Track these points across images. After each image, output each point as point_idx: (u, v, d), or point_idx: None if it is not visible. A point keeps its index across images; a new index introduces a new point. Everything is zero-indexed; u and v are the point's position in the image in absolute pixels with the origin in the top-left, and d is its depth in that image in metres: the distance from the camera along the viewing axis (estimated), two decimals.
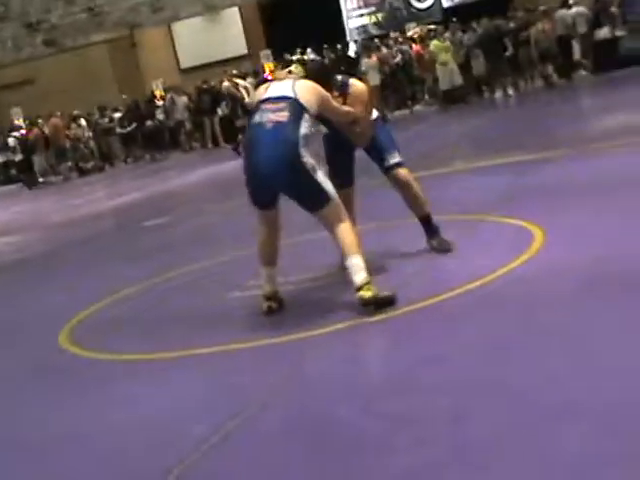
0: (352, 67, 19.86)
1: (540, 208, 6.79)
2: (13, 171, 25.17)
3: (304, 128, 5.12)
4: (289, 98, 5.20)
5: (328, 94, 5.43)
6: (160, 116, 24.22)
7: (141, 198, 15.03)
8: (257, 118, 5.23)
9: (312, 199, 5.16)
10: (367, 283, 4.95)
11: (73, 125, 24.71)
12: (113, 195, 16.83)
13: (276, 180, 5.10)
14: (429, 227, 6.08)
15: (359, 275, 4.97)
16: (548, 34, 19.15)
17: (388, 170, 5.97)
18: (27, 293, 8.19)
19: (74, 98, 27.65)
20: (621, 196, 6.74)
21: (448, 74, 19.64)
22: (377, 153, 5.98)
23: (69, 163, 24.17)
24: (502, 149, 10.81)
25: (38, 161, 24.21)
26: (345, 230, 5.11)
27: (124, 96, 26.23)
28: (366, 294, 4.92)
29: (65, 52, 28.49)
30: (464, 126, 16.08)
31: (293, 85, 5.30)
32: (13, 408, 4.80)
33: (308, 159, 5.07)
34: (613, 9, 20.23)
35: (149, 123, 24.13)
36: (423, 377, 3.97)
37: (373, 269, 5.32)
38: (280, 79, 5.62)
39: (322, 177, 5.15)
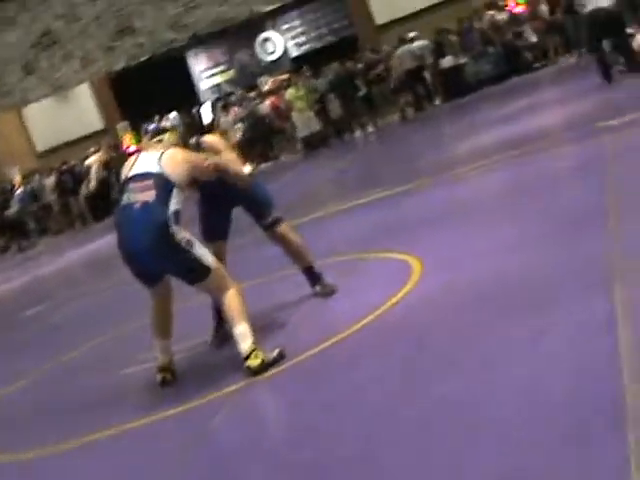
0: (207, 127, 19.99)
1: (413, 239, 6.97)
2: None
3: (173, 205, 5.04)
4: (154, 174, 5.09)
5: (196, 155, 5.42)
6: (14, 207, 23.55)
7: (16, 288, 14.65)
8: (125, 199, 5.12)
9: (191, 274, 5.09)
10: (254, 350, 4.90)
11: None
12: None
13: (151, 262, 5.05)
14: (312, 275, 6.17)
15: (245, 344, 4.92)
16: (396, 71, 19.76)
17: (268, 227, 6.03)
18: None
19: None
20: (481, 217, 7.03)
21: (305, 121, 19.98)
22: (256, 211, 6.04)
23: None
24: (367, 187, 11.05)
25: None
26: (230, 298, 5.05)
27: None
28: (254, 363, 4.86)
29: None
30: (328, 170, 16.33)
31: (160, 157, 5.19)
32: None
33: (181, 235, 4.99)
34: (453, 38, 21.08)
35: (10, 211, 23.52)
36: (321, 426, 4.00)
37: (261, 325, 5.35)
38: (148, 150, 5.46)
39: (199, 249, 5.08)
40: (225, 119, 20.88)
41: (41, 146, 30.23)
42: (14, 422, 5.90)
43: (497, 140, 11.24)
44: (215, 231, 5.95)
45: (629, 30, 13.06)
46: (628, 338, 3.64)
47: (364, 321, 5.20)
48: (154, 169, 5.12)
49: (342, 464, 3.49)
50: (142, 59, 27.92)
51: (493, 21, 20.95)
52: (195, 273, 5.07)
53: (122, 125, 26.41)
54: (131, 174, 5.20)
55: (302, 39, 29.85)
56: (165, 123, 25.43)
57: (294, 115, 20.21)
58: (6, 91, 26.03)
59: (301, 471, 3.58)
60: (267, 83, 23.83)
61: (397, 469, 3.27)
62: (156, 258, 5.00)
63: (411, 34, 20.42)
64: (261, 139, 21.80)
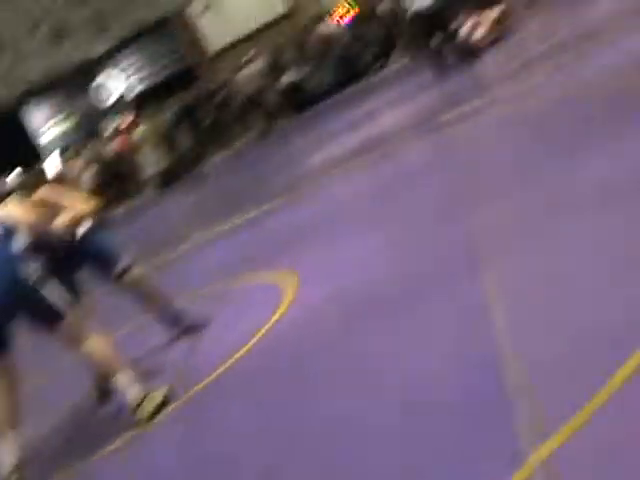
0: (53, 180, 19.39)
1: (283, 257, 6.96)
2: None
3: (20, 242, 4.78)
4: None
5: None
6: None
7: None
8: None
9: (47, 315, 4.74)
10: (146, 395, 4.73)
11: None
12: None
13: (6, 306, 4.69)
14: (172, 316, 5.99)
15: (133, 391, 4.73)
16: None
17: (120, 276, 5.82)
18: None
19: None
20: (345, 226, 7.11)
21: (155, 158, 19.74)
22: (103, 263, 5.81)
23: None
24: (227, 214, 10.98)
25: None
26: (95, 346, 4.78)
27: None
28: (149, 408, 4.70)
29: None
30: (185, 204, 16.16)
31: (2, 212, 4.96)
32: None
33: (32, 272, 4.71)
34: (290, 54, 21.30)
35: None
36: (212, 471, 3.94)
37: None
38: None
39: (51, 291, 4.76)
40: (71, 169, 20.37)
41: None
42: None
43: (347, 148, 11.38)
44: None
45: (454, 25, 13.47)
46: (502, 319, 3.73)
47: (243, 350, 5.18)
48: None
49: None
50: None
51: (324, 34, 21.29)
52: (48, 315, 4.74)
53: None
54: None
55: (136, 78, 29.51)
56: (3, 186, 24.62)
57: (143, 155, 19.88)
58: None
59: None
60: (113, 127, 23.46)
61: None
62: (8, 297, 4.67)
63: (245, 58, 20.53)
64: (113, 183, 21.33)
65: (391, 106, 13.72)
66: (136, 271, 5.91)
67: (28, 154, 26.91)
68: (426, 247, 5.38)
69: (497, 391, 3.16)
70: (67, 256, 5.55)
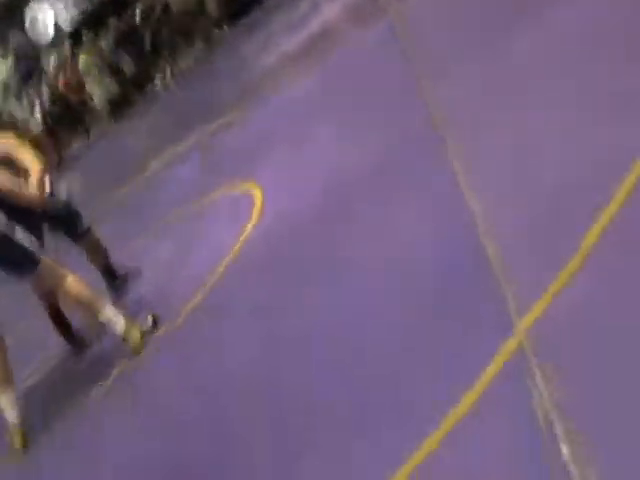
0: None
1: (248, 169, 6.87)
2: None
3: None
4: None
5: None
6: None
7: None
8: None
9: (22, 260, 4.66)
10: (131, 326, 4.74)
11: None
12: None
13: None
14: (113, 274, 6.03)
15: (120, 322, 4.73)
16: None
17: (81, 237, 5.83)
18: None
19: None
20: (305, 130, 6.97)
21: (103, 87, 19.39)
22: (67, 223, 5.75)
23: None
24: (184, 132, 10.70)
25: None
26: (75, 285, 4.73)
27: None
28: (135, 338, 4.71)
29: None
30: (139, 130, 15.95)
31: None
32: None
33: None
34: None
35: None
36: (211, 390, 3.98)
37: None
38: None
39: (23, 239, 4.69)
40: (20, 112, 19.97)
41: None
42: None
43: (293, 47, 11.14)
44: None
45: None
46: (476, 205, 3.74)
47: (224, 262, 5.21)
48: None
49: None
50: None
51: None
52: (26, 262, 4.66)
53: None
54: None
55: (70, 7, 28.72)
56: None
57: (89, 85, 19.47)
58: None
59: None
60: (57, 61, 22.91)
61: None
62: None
63: None
64: (64, 119, 20.93)
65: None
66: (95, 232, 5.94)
67: None
68: (388, 133, 5.33)
69: (479, 266, 3.21)
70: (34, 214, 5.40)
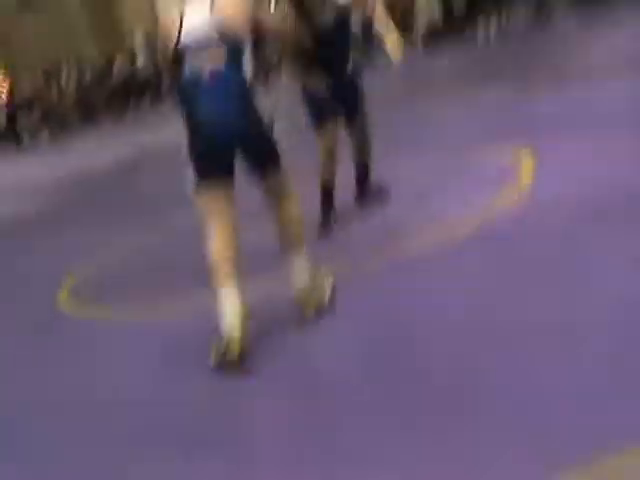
0: None
1: (531, 141, 6.74)
2: None
3: (247, 65, 4.07)
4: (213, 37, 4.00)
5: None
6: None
7: (129, 154, 14.84)
8: (187, 71, 4.03)
9: (271, 156, 4.24)
10: (311, 291, 4.34)
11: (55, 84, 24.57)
12: (102, 153, 16.62)
13: (231, 135, 4.07)
14: (367, 182, 6.02)
15: (304, 277, 4.33)
16: None
17: (356, 117, 5.79)
18: (28, 250, 8.26)
19: (52, 55, 27.29)
20: (609, 129, 6.74)
21: (430, 8, 19.47)
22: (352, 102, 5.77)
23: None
24: (488, 83, 10.79)
25: (22, 121, 24.06)
26: (295, 205, 4.33)
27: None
28: (307, 311, 4.32)
29: (39, 11, 28.12)
30: (447, 61, 15.97)
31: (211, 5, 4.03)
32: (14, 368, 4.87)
33: (263, 110, 4.17)
34: None
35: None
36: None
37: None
38: None
39: (277, 138, 4.26)
40: None
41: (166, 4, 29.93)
42: (120, 284, 6.12)
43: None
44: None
45: None
46: None
47: (473, 220, 5.18)
48: (208, 28, 4.00)
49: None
50: None
51: None
52: (274, 157, 4.25)
53: None
54: (184, 39, 4.05)
55: None
56: None
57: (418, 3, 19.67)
58: None
59: None
60: None
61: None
62: (240, 125, 4.01)
63: None
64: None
65: None
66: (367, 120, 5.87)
67: None
68: None
69: None
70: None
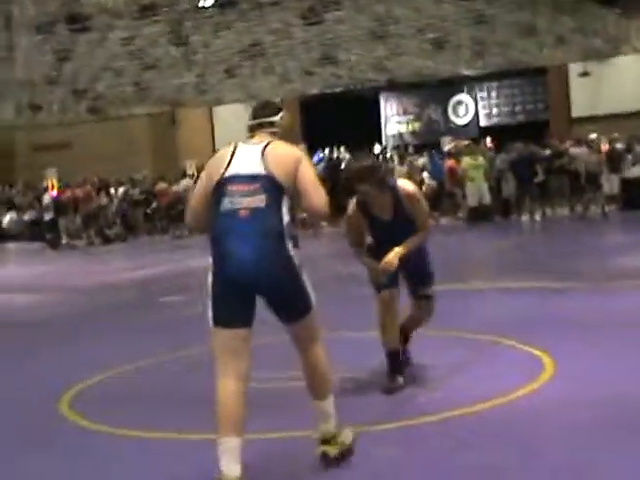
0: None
1: (556, 338, 6.79)
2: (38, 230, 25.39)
3: (285, 214, 4.05)
4: (260, 176, 4.05)
5: (307, 160, 4.23)
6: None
7: (160, 273, 15.11)
8: (226, 204, 4.05)
9: (298, 305, 4.12)
10: (334, 435, 4.27)
11: (103, 193, 25.17)
12: (133, 267, 16.93)
13: (257, 281, 4.00)
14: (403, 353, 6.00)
15: (329, 423, 4.28)
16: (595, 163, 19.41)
17: (422, 297, 5.99)
18: (36, 354, 8.22)
19: (109, 166, 28.23)
20: (629, 335, 6.78)
21: (477, 191, 19.84)
22: (418, 278, 5.97)
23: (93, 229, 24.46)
24: (524, 272, 10.91)
25: (64, 223, 24.53)
26: (321, 351, 4.25)
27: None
28: (332, 450, 4.25)
29: (106, 120, 29.22)
30: (488, 245, 16.20)
31: (263, 153, 4.12)
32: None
33: (294, 254, 4.06)
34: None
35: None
36: None
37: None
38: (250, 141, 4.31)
39: (306, 278, 4.14)
40: (399, 169, 20.98)
41: (220, 147, 31.23)
42: (125, 400, 6.06)
43: None
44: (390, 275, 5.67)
45: None
46: None
47: (484, 405, 5.14)
48: (258, 170, 4.07)
49: None
50: (337, 90, 28.54)
51: None
52: (302, 304, 4.12)
53: (301, 147, 26.85)
54: (228, 174, 4.11)
55: (494, 111, 29.81)
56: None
57: (467, 183, 20.05)
58: (204, 89, 27.08)
59: None
60: (449, 143, 23.84)
61: None
62: (265, 276, 3.99)
63: (592, 136, 20.24)
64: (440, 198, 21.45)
65: None
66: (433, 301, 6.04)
67: (372, 136, 28.20)
68: None
69: None
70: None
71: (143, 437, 5.10)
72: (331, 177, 23.54)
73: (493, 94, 29.70)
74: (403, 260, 5.58)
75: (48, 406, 5.97)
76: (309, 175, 4.12)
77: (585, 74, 25.74)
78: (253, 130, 4.31)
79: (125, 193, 25.30)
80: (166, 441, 4.97)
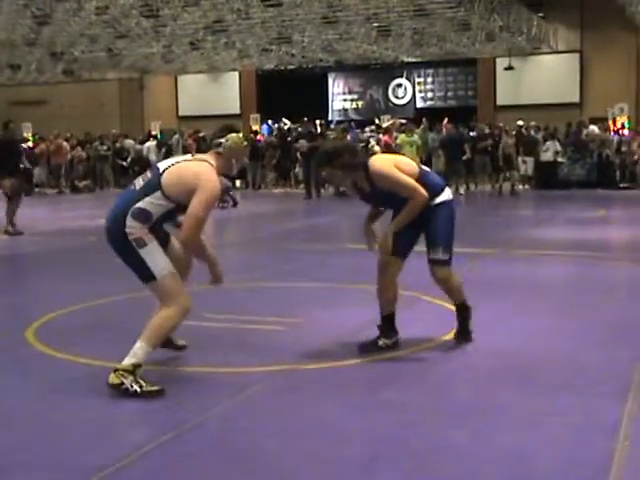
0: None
1: (471, 296, 6.82)
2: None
3: (146, 203, 4.45)
4: (157, 172, 4.54)
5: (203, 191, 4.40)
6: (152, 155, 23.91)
7: None
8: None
9: (136, 273, 4.58)
10: (126, 370, 4.36)
11: (78, 148, 24.65)
12: (98, 215, 16.65)
13: (111, 244, 4.62)
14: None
15: (129, 359, 4.39)
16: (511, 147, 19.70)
17: (428, 261, 5.33)
18: (4, 290, 8.09)
19: (80, 123, 27.74)
20: (538, 295, 6.92)
21: None
22: (427, 239, 5.32)
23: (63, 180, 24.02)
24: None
25: (37, 173, 24.04)
26: (165, 318, 4.49)
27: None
28: (114, 380, 4.35)
29: (80, 82, 28.69)
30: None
31: (179, 162, 4.57)
32: None
33: (135, 232, 4.44)
34: (559, 138, 20.92)
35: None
36: (331, 424, 3.99)
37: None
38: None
39: (150, 253, 4.47)
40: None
41: (183, 111, 30.93)
42: (85, 331, 6.01)
43: (569, 238, 11.05)
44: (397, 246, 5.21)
45: None
46: (623, 450, 3.55)
47: (400, 352, 5.19)
48: (161, 167, 4.57)
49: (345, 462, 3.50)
50: (290, 67, 28.34)
51: (594, 135, 20.69)
52: (138, 274, 4.55)
53: (254, 117, 26.70)
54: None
55: (429, 95, 29.90)
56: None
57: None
58: (170, 59, 26.69)
59: (302, 461, 3.59)
60: (386, 121, 23.85)
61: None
62: (112, 243, 4.59)
63: (519, 122, 20.51)
64: None
65: (627, 222, 13.07)
66: (446, 269, 5.35)
67: (319, 112, 28.03)
68: (596, 352, 5.16)
69: None
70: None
71: (92, 364, 5.06)
72: (280, 145, 23.42)
73: (429, 80, 29.75)
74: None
75: (15, 335, 5.89)
76: (192, 205, 4.39)
77: (510, 68, 25.92)
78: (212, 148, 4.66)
79: (94, 149, 24.85)
80: (109, 369, 4.90)
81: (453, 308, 5.67)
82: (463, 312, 5.52)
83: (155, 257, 4.47)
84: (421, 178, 5.19)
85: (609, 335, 5.61)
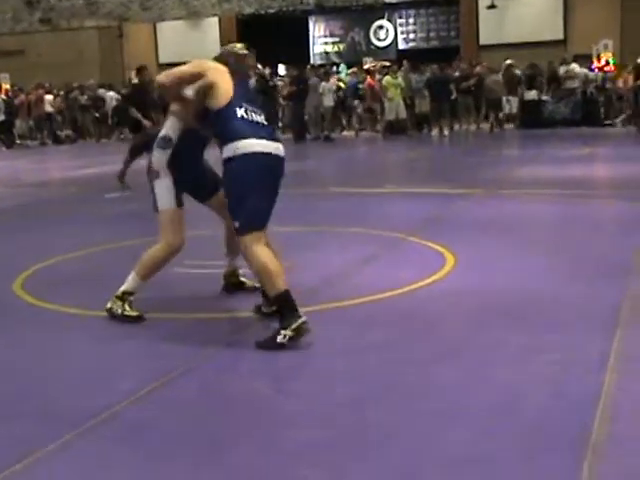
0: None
1: (456, 237, 6.87)
2: None
3: (166, 128, 4.81)
4: None
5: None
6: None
7: (105, 172, 14.74)
8: None
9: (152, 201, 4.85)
10: (120, 297, 4.76)
11: (58, 99, 24.28)
12: (81, 165, 16.52)
13: None
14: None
15: (124, 286, 4.78)
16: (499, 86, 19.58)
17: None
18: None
19: (60, 73, 27.32)
20: (520, 237, 6.93)
21: (394, 107, 19.73)
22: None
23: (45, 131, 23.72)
24: (431, 180, 10.97)
25: (19, 125, 23.73)
26: (159, 250, 4.77)
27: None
28: (111, 305, 4.78)
29: (58, 31, 28.20)
30: (402, 155, 16.21)
31: None
32: None
33: (155, 162, 4.76)
34: (541, 78, 20.78)
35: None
36: (320, 366, 4.03)
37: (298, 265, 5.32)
38: None
39: (160, 187, 4.74)
40: (324, 85, 20.68)
41: (163, 59, 30.47)
42: (70, 281, 5.98)
43: (555, 176, 11.04)
44: None
45: None
46: (611, 384, 3.58)
47: (389, 293, 5.18)
48: None
49: (333, 404, 3.51)
50: (270, 11, 27.91)
51: (574, 74, 20.53)
52: (152, 203, 4.82)
53: None
54: None
55: (411, 36, 29.56)
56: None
57: (385, 100, 19.93)
58: (148, 6, 26.20)
59: (294, 399, 3.60)
60: (369, 64, 23.59)
61: (382, 419, 3.28)
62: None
63: (508, 61, 20.35)
64: (345, 109, 21.72)
65: (609, 159, 13.08)
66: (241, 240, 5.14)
67: (302, 55, 27.67)
68: (582, 290, 5.17)
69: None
70: None
71: (80, 314, 5.05)
72: (262, 89, 23.15)
73: (410, 21, 29.33)
74: None
75: (2, 287, 5.85)
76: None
77: (492, 7, 25.59)
78: None
79: (74, 99, 24.49)
80: (98, 318, 4.90)
81: (440, 249, 5.67)
82: (270, 303, 4.60)
83: (165, 191, 4.72)
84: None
85: (594, 272, 5.63)
